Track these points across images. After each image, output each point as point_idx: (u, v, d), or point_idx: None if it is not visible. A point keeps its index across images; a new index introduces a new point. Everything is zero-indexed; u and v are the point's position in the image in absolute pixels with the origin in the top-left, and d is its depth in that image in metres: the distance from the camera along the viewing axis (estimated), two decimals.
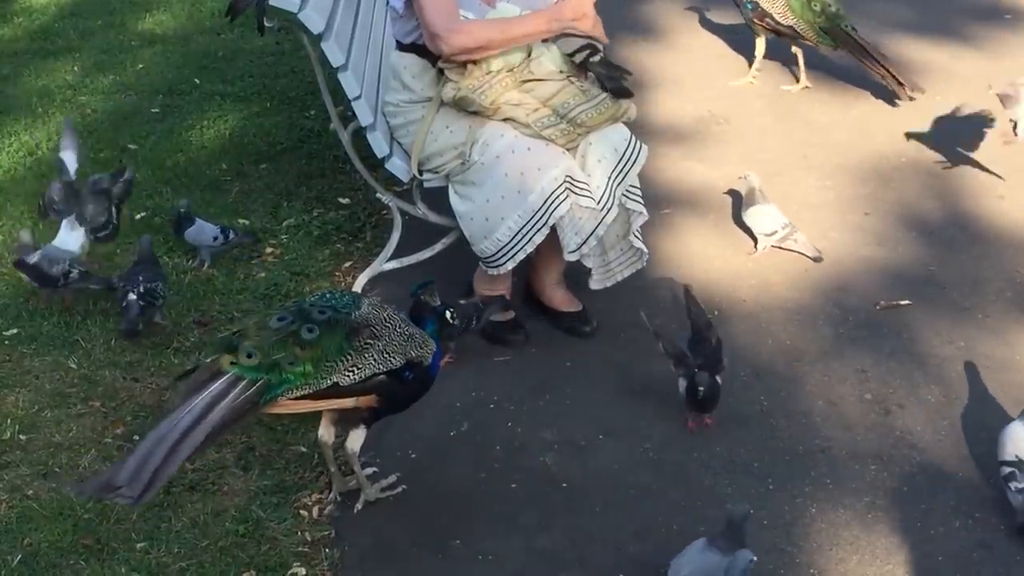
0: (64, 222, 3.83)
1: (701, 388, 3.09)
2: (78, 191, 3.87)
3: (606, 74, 3.42)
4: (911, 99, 5.01)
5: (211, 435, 2.47)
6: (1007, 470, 2.84)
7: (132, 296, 3.53)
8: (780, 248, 4.01)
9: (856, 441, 3.18)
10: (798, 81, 5.37)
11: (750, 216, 4.03)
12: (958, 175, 4.60)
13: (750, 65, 5.46)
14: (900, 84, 4.98)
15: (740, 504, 2.65)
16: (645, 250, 3.57)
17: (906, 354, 3.54)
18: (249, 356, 2.53)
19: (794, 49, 5.27)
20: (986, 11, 6.29)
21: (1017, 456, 2.83)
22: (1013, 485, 2.81)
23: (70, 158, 4.00)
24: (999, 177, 4.50)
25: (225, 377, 2.52)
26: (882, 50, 5.16)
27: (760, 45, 5.33)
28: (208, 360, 2.60)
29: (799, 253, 3.99)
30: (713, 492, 3.00)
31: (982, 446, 3.13)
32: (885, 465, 3.08)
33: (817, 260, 3.97)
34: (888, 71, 4.99)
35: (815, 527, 2.89)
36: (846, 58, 5.25)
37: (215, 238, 4.00)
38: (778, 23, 5.05)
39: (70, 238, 3.81)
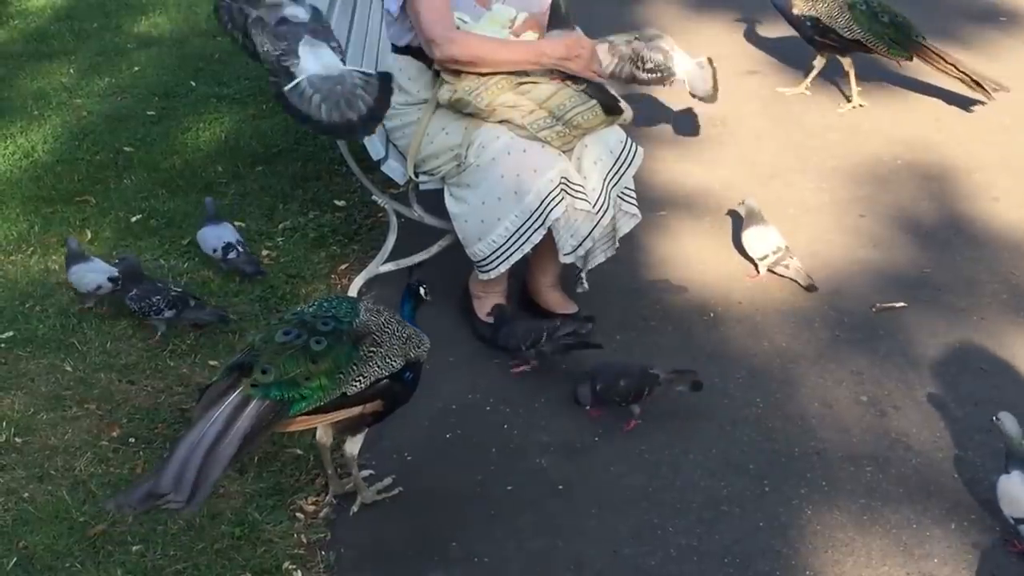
0: None
1: None
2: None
3: (598, 94, 3.42)
4: (992, 98, 4.91)
5: (244, 442, 2.43)
6: None
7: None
8: (772, 272, 3.91)
9: (851, 443, 3.18)
10: (849, 101, 5.19)
11: (745, 239, 3.94)
12: (953, 178, 4.61)
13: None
14: (980, 86, 4.86)
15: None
16: (617, 244, 3.58)
17: (902, 356, 3.55)
18: (264, 372, 2.50)
19: (848, 64, 5.09)
20: (981, 13, 6.30)
21: None
22: None
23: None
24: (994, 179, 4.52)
25: (240, 390, 2.48)
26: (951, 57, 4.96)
27: (820, 63, 5.16)
28: (221, 378, 2.56)
29: (791, 279, 3.88)
30: (708, 494, 3.00)
31: (977, 448, 3.14)
32: (880, 467, 3.08)
33: (810, 289, 3.83)
34: (966, 75, 4.87)
35: (810, 529, 2.89)
36: (851, 62, 5.19)
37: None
38: (842, 37, 4.90)
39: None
